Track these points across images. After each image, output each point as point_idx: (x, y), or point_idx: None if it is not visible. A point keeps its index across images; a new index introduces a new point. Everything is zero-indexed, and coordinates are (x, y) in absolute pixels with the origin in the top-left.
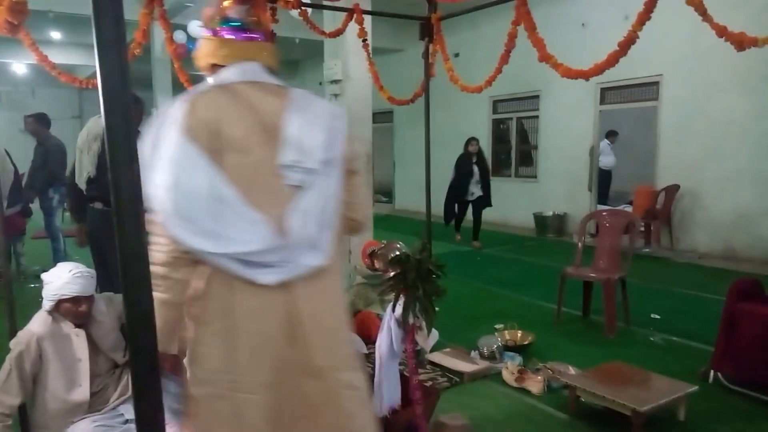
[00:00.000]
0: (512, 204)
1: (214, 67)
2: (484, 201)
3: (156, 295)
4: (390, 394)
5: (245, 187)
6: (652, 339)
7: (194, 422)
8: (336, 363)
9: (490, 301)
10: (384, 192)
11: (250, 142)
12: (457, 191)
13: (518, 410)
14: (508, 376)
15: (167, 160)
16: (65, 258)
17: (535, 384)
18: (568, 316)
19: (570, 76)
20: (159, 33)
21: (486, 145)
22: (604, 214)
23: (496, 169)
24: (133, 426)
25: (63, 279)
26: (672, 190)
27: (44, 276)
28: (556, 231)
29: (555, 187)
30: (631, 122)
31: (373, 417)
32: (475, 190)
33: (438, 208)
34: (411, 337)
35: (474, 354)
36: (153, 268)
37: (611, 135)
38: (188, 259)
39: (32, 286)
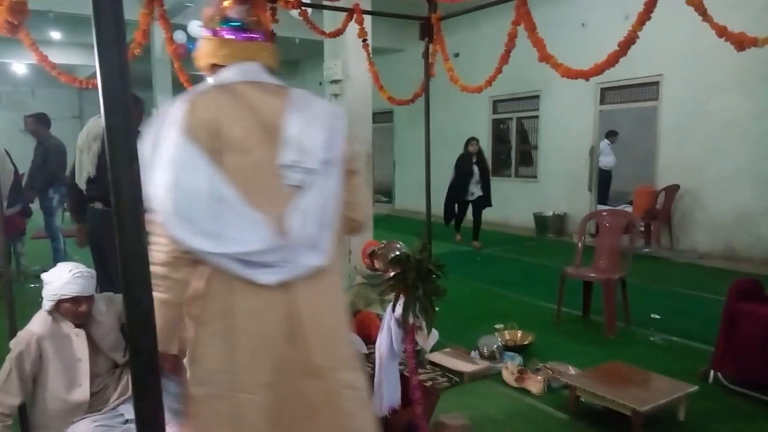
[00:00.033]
0: (512, 204)
1: (214, 67)
2: (485, 201)
3: (156, 295)
4: (390, 394)
5: (245, 187)
6: (652, 339)
7: (194, 422)
8: (336, 363)
9: (490, 301)
10: (384, 192)
11: (250, 142)
12: (456, 191)
13: (518, 410)
14: (508, 376)
15: (167, 160)
16: (65, 258)
17: (535, 384)
18: (568, 316)
19: (570, 76)
20: (159, 33)
21: (486, 145)
22: (604, 214)
23: (496, 169)
24: (133, 426)
25: (63, 279)
26: (672, 190)
27: (44, 276)
28: (556, 231)
29: (555, 187)
30: (631, 122)
31: (373, 417)
32: (475, 190)
33: (438, 208)
34: (411, 337)
35: (474, 354)
36: (153, 268)
37: (611, 135)
38: (188, 259)
39: (32, 286)
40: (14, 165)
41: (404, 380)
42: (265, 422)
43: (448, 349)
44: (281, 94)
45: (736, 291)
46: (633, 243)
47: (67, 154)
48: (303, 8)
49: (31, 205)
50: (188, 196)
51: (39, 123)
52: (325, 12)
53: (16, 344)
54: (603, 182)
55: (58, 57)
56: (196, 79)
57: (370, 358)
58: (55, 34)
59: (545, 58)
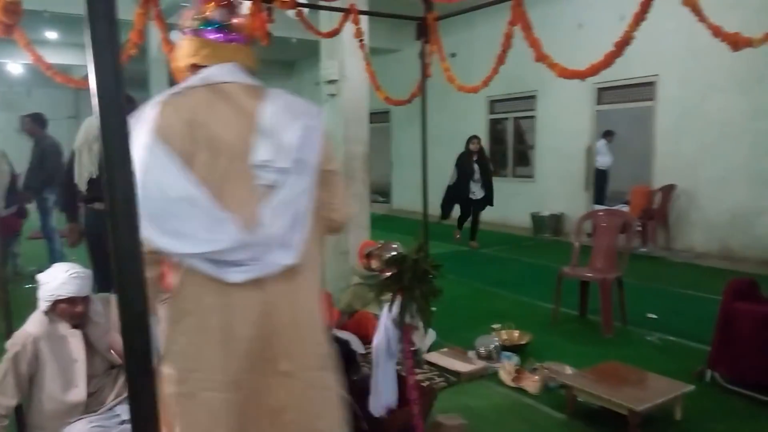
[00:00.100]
0: (509, 204)
1: (194, 68)
2: (486, 201)
3: None
4: (387, 394)
5: (216, 187)
6: (648, 339)
7: (165, 420)
8: (307, 362)
9: (488, 301)
10: (381, 192)
11: (224, 142)
12: (457, 189)
13: (515, 410)
14: (505, 376)
15: (136, 161)
16: (62, 258)
17: (532, 384)
18: (565, 316)
19: (566, 76)
20: (155, 33)
21: (483, 145)
22: (600, 214)
23: (494, 169)
24: (129, 427)
25: (59, 279)
26: (668, 189)
27: (40, 277)
28: (553, 231)
29: (552, 187)
30: (627, 122)
31: (343, 418)
32: (476, 190)
33: (435, 209)
34: (408, 337)
35: (471, 354)
36: None
37: (608, 135)
38: (155, 258)
39: (28, 286)
40: (11, 166)
41: (401, 380)
42: (236, 420)
43: (445, 349)
44: (257, 94)
45: (732, 291)
46: (629, 243)
47: (63, 155)
48: (299, 8)
49: (28, 205)
50: (155, 197)
51: (35, 123)
52: (322, 12)
53: (12, 345)
54: (600, 182)
55: (53, 57)
56: None
57: (367, 358)
58: (51, 34)
59: (541, 58)
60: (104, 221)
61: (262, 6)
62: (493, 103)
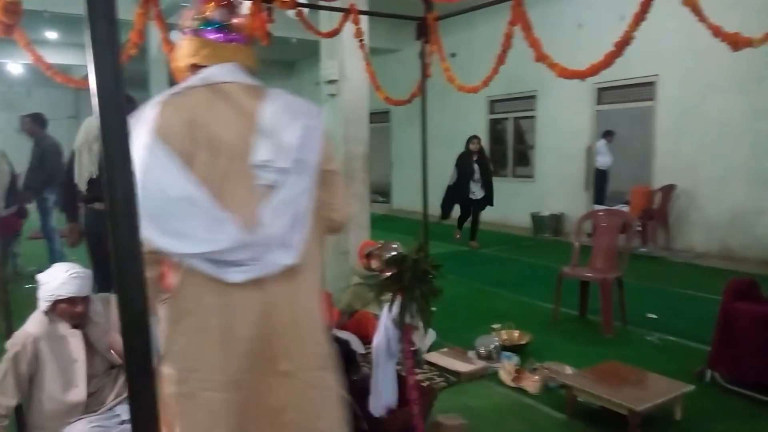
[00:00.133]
0: (509, 204)
1: (194, 68)
2: (486, 201)
3: None
4: (387, 394)
5: (216, 187)
6: (648, 338)
7: (165, 420)
8: (307, 362)
9: (488, 301)
10: (381, 192)
11: (224, 142)
12: (457, 189)
13: (515, 410)
14: (505, 375)
15: (136, 161)
16: (62, 258)
17: (532, 384)
18: (565, 316)
19: (566, 76)
20: (155, 33)
21: (483, 145)
22: (600, 214)
23: (493, 169)
24: (129, 427)
25: (59, 279)
26: (668, 189)
27: (40, 277)
28: (553, 231)
29: (552, 187)
30: (627, 122)
31: (343, 418)
32: (476, 190)
33: (435, 209)
34: (408, 337)
35: (471, 354)
36: None
37: (608, 135)
38: (155, 258)
39: (28, 286)
40: (11, 166)
41: (401, 380)
42: (235, 420)
43: (445, 349)
44: (257, 93)
45: (732, 291)
46: (629, 243)
47: (63, 155)
48: (299, 8)
49: (28, 205)
50: (155, 197)
51: (35, 123)
52: (322, 12)
53: (12, 345)
54: (600, 182)
55: (53, 57)
56: None
57: (367, 358)
58: (51, 34)
59: (541, 58)
60: (104, 221)
61: (262, 6)
62: (493, 103)
